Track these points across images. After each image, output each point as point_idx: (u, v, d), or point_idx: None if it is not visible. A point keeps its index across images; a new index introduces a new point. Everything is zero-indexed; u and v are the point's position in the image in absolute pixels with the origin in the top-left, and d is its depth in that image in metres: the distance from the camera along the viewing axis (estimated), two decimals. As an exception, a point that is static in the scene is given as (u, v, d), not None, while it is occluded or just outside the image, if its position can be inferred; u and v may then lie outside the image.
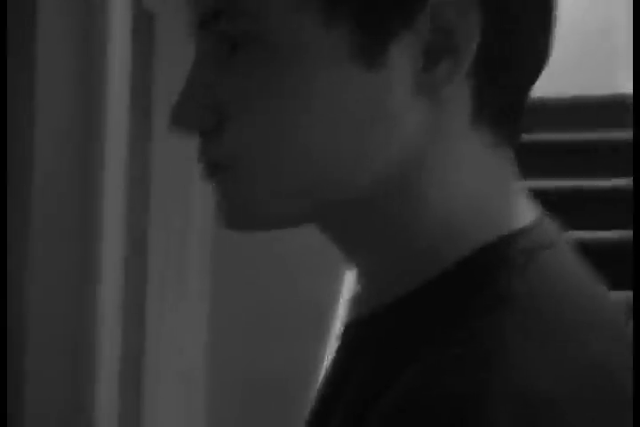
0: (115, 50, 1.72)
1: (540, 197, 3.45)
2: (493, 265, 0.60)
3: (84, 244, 1.72)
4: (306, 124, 0.60)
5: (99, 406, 1.73)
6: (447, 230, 0.63)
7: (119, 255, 1.83)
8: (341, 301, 3.86)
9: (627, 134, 4.50)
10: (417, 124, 0.61)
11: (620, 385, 0.55)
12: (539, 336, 0.54)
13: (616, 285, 3.58)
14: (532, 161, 4.30)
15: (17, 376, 1.56)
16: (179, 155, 2.28)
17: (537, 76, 0.66)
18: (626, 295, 3.51)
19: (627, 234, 3.93)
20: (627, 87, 5.11)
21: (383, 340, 0.62)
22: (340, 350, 0.70)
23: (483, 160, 0.64)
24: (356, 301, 0.70)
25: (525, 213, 0.65)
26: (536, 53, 0.65)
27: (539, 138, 4.39)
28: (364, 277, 0.69)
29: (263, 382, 2.88)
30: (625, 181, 4.18)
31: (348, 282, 3.91)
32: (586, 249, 3.20)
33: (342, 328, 0.70)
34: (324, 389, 0.70)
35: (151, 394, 2.34)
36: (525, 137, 4.17)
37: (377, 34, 0.59)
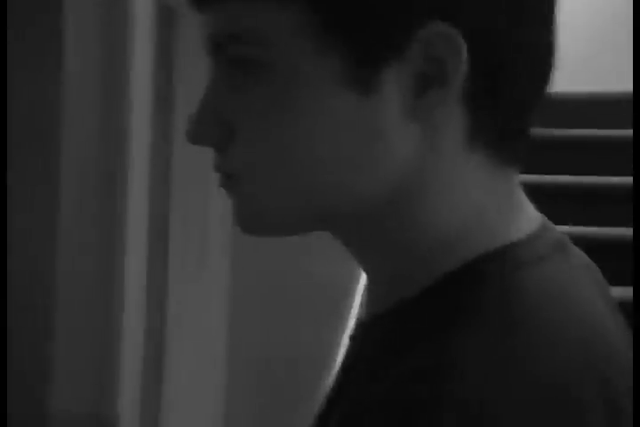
0: (137, 45, 1.75)
1: (559, 191, 3.41)
2: (476, 280, 0.64)
3: (109, 233, 1.77)
4: (303, 143, 0.64)
5: (122, 388, 1.80)
6: (441, 245, 0.66)
7: (142, 241, 1.88)
8: (359, 286, 3.90)
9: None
10: (410, 146, 0.64)
11: (575, 405, 0.57)
12: (499, 353, 0.57)
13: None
14: (550, 156, 4.30)
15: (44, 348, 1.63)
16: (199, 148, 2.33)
17: (537, 100, 0.68)
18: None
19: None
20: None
21: (376, 345, 0.67)
22: (348, 348, 0.75)
23: (479, 179, 0.67)
24: (365, 301, 0.75)
25: (523, 226, 0.68)
26: (533, 80, 0.67)
27: (557, 133, 4.38)
28: (370, 280, 0.74)
29: (280, 364, 2.92)
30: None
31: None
32: (601, 245, 3.18)
33: (353, 327, 0.75)
34: (333, 383, 0.75)
35: (173, 373, 2.40)
36: (545, 132, 4.15)
37: (368, 62, 0.62)
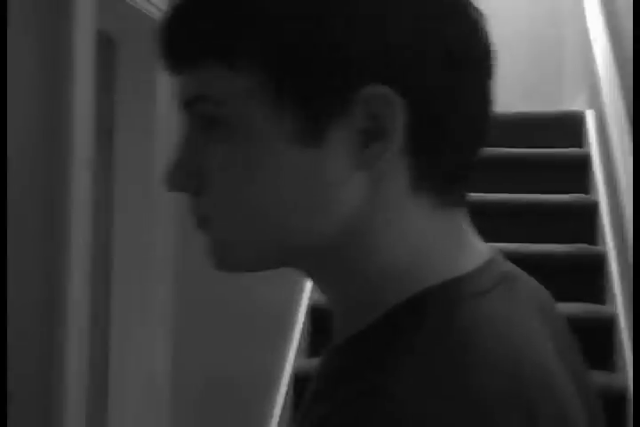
0: (78, 73, 1.77)
1: (490, 209, 3.46)
2: (416, 315, 0.69)
3: (52, 256, 1.75)
4: (262, 193, 0.71)
5: (67, 409, 1.77)
6: (388, 281, 0.73)
7: (85, 266, 1.86)
8: (300, 310, 3.92)
9: (576, 151, 4.60)
10: (357, 192, 0.72)
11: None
12: (428, 383, 0.61)
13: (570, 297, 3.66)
14: (485, 175, 4.37)
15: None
16: (141, 169, 2.33)
17: (477, 147, 0.75)
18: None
19: (578, 247, 4.00)
20: (575, 105, 5.23)
21: (331, 374, 0.73)
22: (316, 374, 0.79)
23: (423, 220, 0.73)
24: (334, 329, 0.80)
25: (469, 261, 0.74)
26: (472, 128, 0.74)
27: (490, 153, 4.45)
28: (334, 310, 0.79)
29: (224, 384, 2.92)
30: (570, 197, 4.28)
31: (307, 291, 3.99)
32: (541, 261, 3.23)
33: (323, 354, 0.80)
34: (301, 408, 0.78)
35: (116, 398, 2.38)
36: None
37: (316, 121, 0.70)
